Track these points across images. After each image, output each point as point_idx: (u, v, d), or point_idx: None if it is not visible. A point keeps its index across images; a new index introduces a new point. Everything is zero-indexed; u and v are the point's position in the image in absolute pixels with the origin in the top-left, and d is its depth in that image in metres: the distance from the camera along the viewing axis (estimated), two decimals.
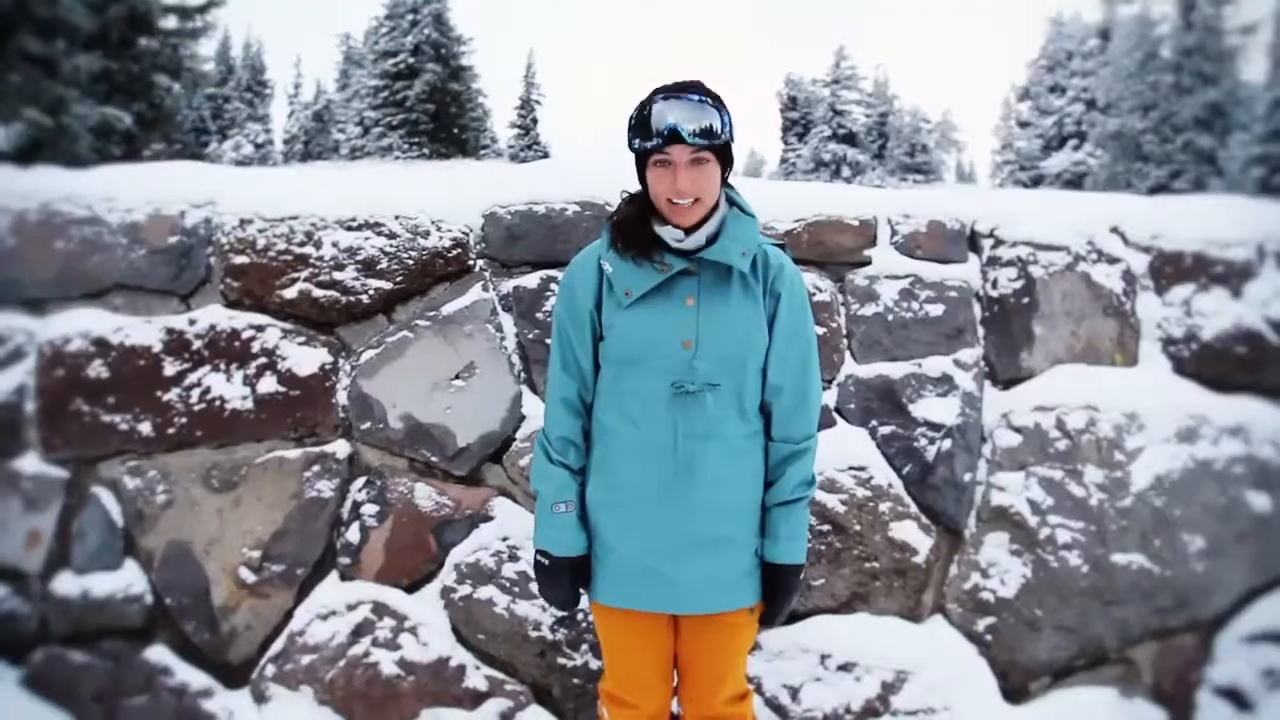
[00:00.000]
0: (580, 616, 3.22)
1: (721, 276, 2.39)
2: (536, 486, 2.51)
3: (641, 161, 2.40)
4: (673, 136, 2.28)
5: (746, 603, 2.44)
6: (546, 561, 2.47)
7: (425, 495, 3.33)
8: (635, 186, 2.49)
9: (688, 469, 2.36)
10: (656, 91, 2.37)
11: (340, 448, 3.38)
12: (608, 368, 2.46)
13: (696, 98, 2.32)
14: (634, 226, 2.41)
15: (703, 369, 2.35)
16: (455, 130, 42.03)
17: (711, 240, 2.38)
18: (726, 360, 2.36)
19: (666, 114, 2.29)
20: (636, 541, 2.39)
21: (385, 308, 3.42)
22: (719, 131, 2.32)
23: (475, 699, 3.23)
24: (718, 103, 2.35)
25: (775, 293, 2.43)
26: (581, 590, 2.53)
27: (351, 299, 3.38)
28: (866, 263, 3.49)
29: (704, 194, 2.34)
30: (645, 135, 2.32)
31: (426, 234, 3.40)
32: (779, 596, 2.45)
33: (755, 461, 2.46)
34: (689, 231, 2.37)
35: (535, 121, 46.44)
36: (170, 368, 3.36)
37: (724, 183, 2.44)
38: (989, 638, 3.36)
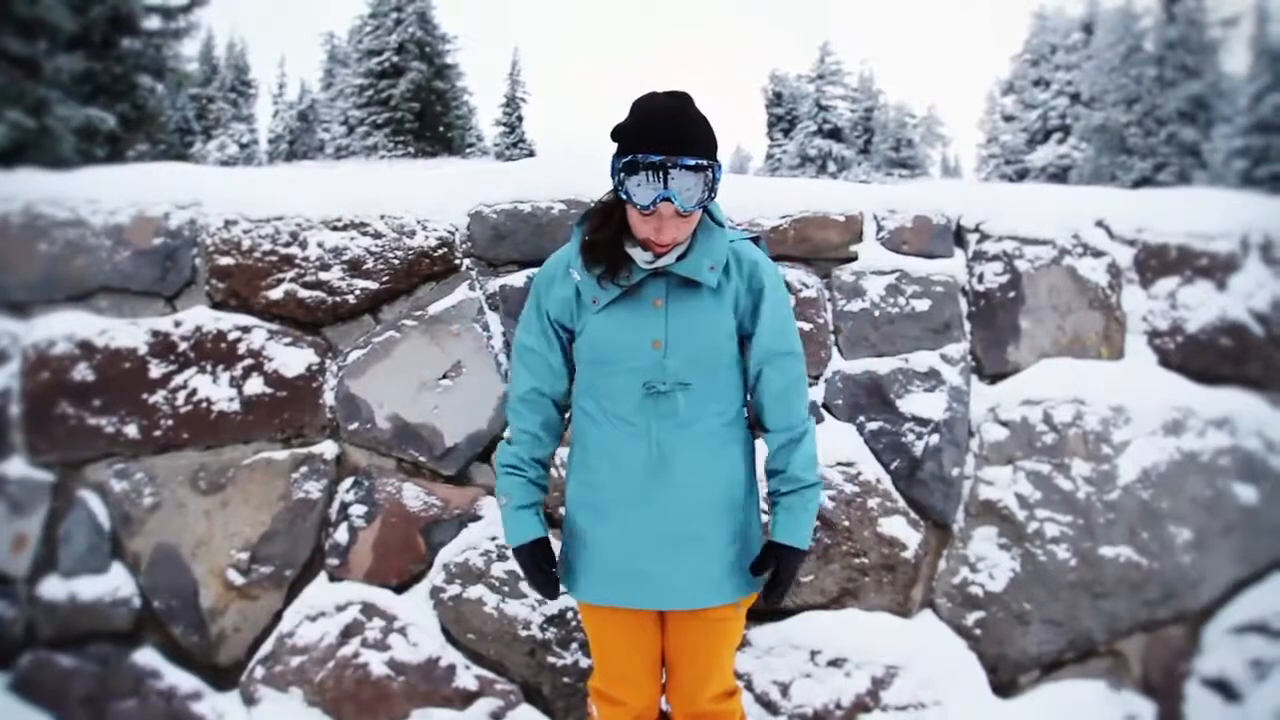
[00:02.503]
0: (570, 615, 3.23)
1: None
2: (499, 487, 2.59)
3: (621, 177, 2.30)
4: (667, 200, 2.23)
5: (731, 598, 2.45)
6: (514, 556, 2.58)
7: (413, 495, 3.33)
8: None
9: (663, 467, 2.37)
10: (653, 116, 2.27)
11: (328, 448, 3.38)
12: (582, 369, 2.48)
13: (694, 161, 2.23)
14: (606, 252, 2.38)
15: (673, 369, 2.36)
16: (440, 129, 41.95)
17: (682, 256, 2.37)
18: (696, 359, 2.38)
19: (665, 180, 2.22)
20: (618, 539, 2.40)
21: (372, 308, 3.41)
22: (710, 186, 2.27)
23: (465, 699, 3.23)
24: (712, 157, 2.28)
25: (756, 288, 2.42)
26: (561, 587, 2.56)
27: (338, 299, 3.37)
28: (853, 258, 3.50)
29: (684, 236, 2.34)
30: (633, 170, 2.24)
31: (412, 233, 3.39)
32: (774, 577, 2.44)
33: (734, 458, 2.48)
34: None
35: (520, 119, 46.37)
36: (156, 370, 3.34)
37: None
38: (978, 632, 3.37)
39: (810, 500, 2.46)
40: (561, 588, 2.55)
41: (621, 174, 2.26)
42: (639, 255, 2.37)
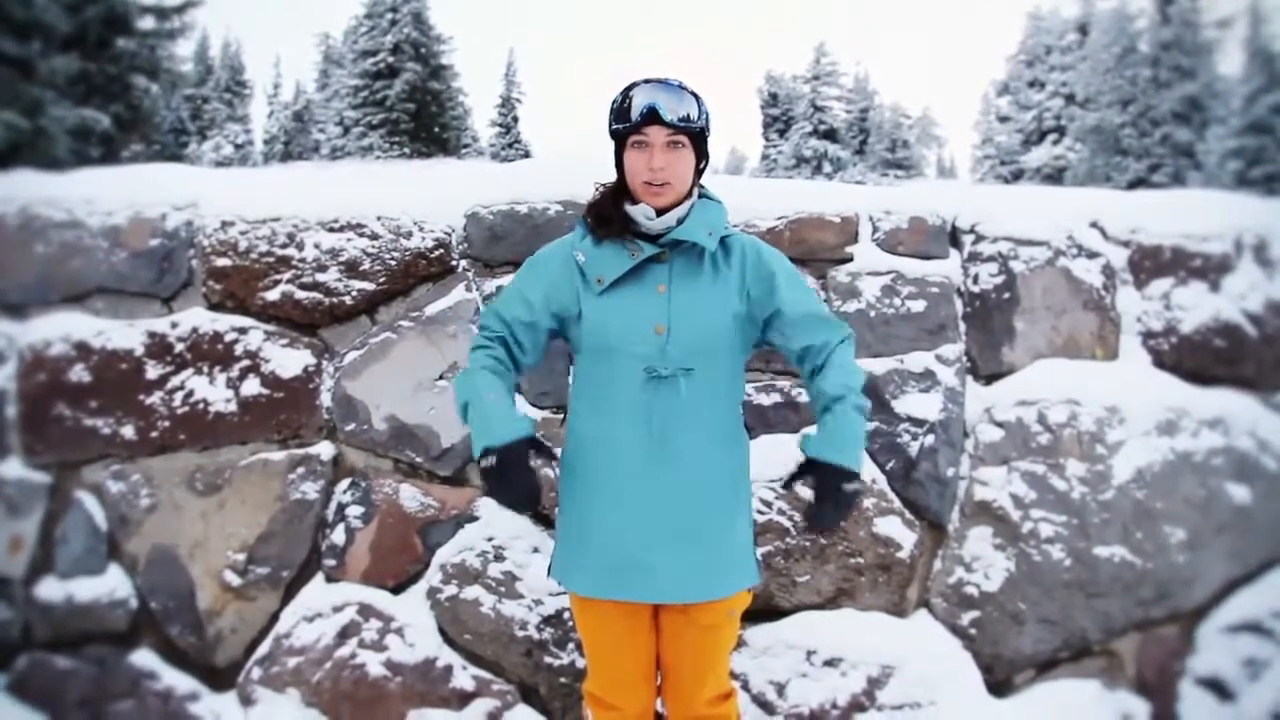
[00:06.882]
0: (566, 615, 3.23)
1: (693, 263, 2.43)
2: (463, 396, 2.41)
3: (620, 146, 2.46)
4: (652, 117, 2.35)
5: (725, 593, 2.44)
6: (494, 460, 2.30)
7: (410, 496, 3.33)
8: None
9: (663, 455, 2.37)
10: (638, 80, 2.45)
11: (324, 449, 3.38)
12: (581, 357, 2.49)
13: (677, 84, 2.42)
14: (607, 209, 2.47)
15: (675, 354, 2.37)
16: (436, 129, 41.91)
17: (680, 223, 2.43)
18: (699, 345, 2.39)
19: (647, 97, 2.37)
20: (615, 529, 2.39)
21: (368, 309, 3.42)
22: (695, 119, 2.39)
23: (462, 699, 3.23)
24: (696, 95, 2.43)
25: (766, 269, 2.48)
26: (541, 504, 2.53)
27: (334, 300, 3.37)
28: (848, 259, 3.51)
29: (676, 178, 2.40)
30: (625, 118, 2.40)
31: (409, 235, 3.39)
32: (823, 502, 2.32)
33: (732, 450, 2.49)
34: (660, 214, 2.41)
35: (516, 120, 46.42)
36: (153, 371, 3.35)
37: (698, 177, 2.50)
38: (973, 631, 3.38)
39: (851, 418, 2.35)
40: (556, 585, 2.56)
41: (617, 117, 2.42)
42: (639, 212, 2.41)
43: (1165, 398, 3.60)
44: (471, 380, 2.43)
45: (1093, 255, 3.67)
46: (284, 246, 3.37)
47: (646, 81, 2.42)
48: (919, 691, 3.22)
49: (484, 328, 2.54)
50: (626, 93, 2.42)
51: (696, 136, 2.42)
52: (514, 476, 2.32)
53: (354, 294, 3.38)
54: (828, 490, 2.31)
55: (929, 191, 4.08)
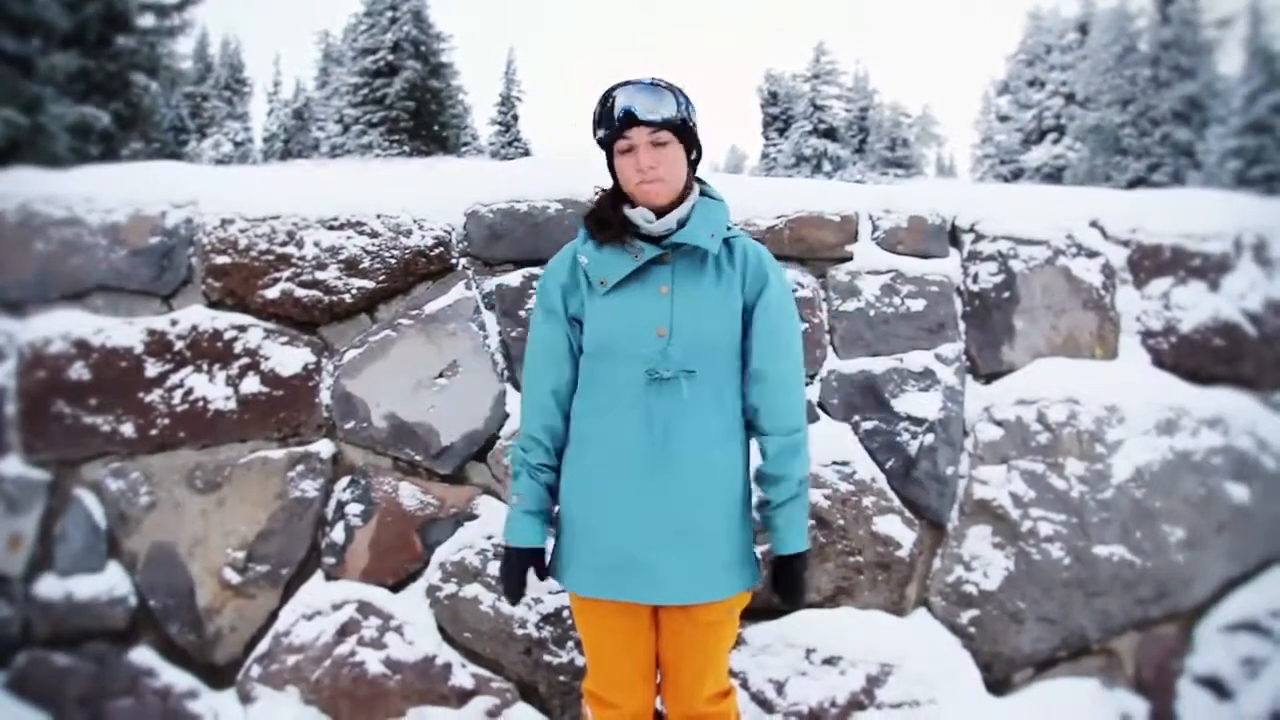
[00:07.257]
0: (565, 613, 3.23)
1: (695, 265, 2.43)
2: (515, 485, 2.55)
3: (610, 154, 2.46)
4: (629, 119, 2.36)
5: (726, 594, 2.44)
6: (503, 550, 2.56)
7: (410, 494, 3.33)
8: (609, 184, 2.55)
9: (664, 456, 2.37)
10: (614, 85, 2.45)
11: (324, 447, 3.38)
12: (583, 359, 2.49)
13: (649, 82, 2.42)
14: (607, 213, 2.47)
15: (677, 356, 2.37)
16: (436, 127, 41.93)
17: (682, 225, 2.42)
18: (701, 347, 2.39)
19: (624, 100, 2.38)
20: (614, 527, 2.39)
21: (368, 307, 3.42)
22: (675, 114, 2.39)
23: (461, 697, 3.23)
24: (673, 89, 2.43)
25: (762, 278, 2.47)
26: (541, 582, 2.60)
27: (334, 298, 3.37)
28: (848, 258, 3.51)
29: (667, 174, 2.40)
30: (607, 124, 2.41)
31: (409, 233, 3.39)
32: (786, 584, 2.52)
33: (734, 450, 2.47)
34: (660, 215, 2.41)
35: (516, 118, 46.49)
36: (152, 369, 3.34)
37: (693, 169, 2.50)
38: (972, 630, 3.38)
39: (805, 503, 2.52)
40: (555, 584, 2.57)
41: (600, 125, 2.43)
42: (638, 215, 2.42)
43: (1164, 397, 3.60)
44: (520, 481, 2.54)
45: (1092, 254, 3.67)
46: (284, 244, 3.37)
47: (623, 85, 2.42)
48: (918, 690, 3.23)
49: (531, 407, 2.55)
50: (605, 100, 2.42)
51: (682, 130, 2.42)
52: (512, 572, 2.53)
53: (354, 292, 3.38)
54: (803, 571, 2.53)
55: (929, 190, 4.07)
